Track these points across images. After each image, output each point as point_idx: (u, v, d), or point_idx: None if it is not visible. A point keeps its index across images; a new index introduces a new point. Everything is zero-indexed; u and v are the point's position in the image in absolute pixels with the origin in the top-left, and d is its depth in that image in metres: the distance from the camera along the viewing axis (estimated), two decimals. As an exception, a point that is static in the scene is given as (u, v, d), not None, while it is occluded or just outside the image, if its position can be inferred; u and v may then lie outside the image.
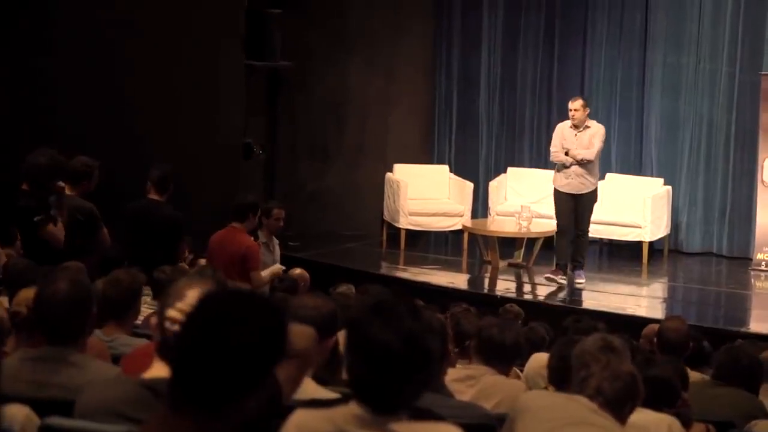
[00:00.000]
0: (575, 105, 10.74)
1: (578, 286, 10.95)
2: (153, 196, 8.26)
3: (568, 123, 10.82)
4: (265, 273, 8.50)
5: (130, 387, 3.19)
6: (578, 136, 10.70)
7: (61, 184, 7.11)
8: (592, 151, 10.61)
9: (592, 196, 10.82)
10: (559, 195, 10.84)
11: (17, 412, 3.42)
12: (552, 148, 10.90)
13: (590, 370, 3.68)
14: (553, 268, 11.11)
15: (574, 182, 10.69)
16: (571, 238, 10.94)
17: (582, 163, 10.61)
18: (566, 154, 10.64)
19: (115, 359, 4.39)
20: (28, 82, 9.63)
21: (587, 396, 3.65)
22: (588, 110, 10.81)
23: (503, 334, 5.01)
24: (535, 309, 8.94)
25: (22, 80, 9.61)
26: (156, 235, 8.01)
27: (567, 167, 10.66)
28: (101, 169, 7.77)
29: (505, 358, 5.04)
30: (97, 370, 3.79)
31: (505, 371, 5.07)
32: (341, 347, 4.29)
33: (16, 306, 4.58)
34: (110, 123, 9.79)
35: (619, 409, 3.66)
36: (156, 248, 7.86)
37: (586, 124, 10.73)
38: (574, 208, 10.78)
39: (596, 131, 10.73)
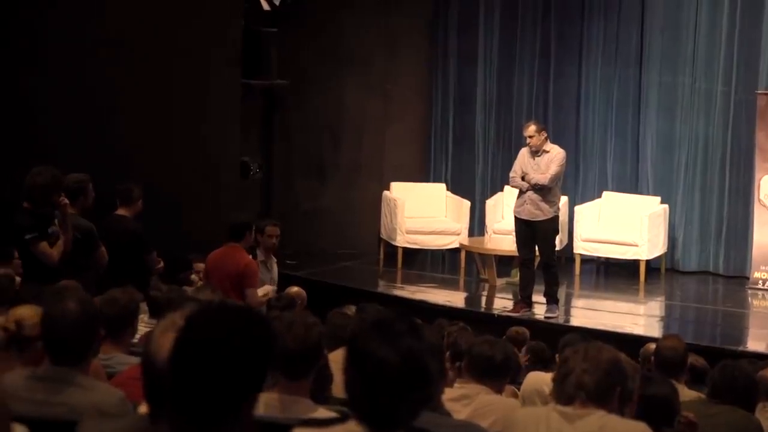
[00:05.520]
0: (528, 131, 10.20)
1: (550, 319, 10.33)
2: (119, 211, 8.31)
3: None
4: (259, 291, 8.50)
5: (131, 421, 3.15)
6: (536, 160, 10.14)
7: (65, 199, 7.10)
8: (546, 176, 10.02)
9: (548, 226, 10.18)
10: (516, 222, 10.35)
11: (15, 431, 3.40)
12: (510, 173, 10.41)
13: (569, 366, 3.55)
14: (516, 301, 10.70)
15: (528, 208, 10.14)
16: (534, 268, 10.44)
17: (537, 189, 10.06)
18: (523, 178, 10.15)
19: (112, 378, 4.39)
20: (19, 100, 9.62)
21: (568, 396, 3.51)
22: (545, 134, 10.24)
23: (493, 350, 5.01)
24: (533, 327, 8.91)
25: (12, 99, 9.60)
26: (119, 249, 7.98)
27: (524, 192, 10.17)
28: (96, 189, 7.78)
29: (496, 375, 5.01)
30: (101, 391, 3.78)
31: (498, 389, 5.05)
32: (330, 365, 4.29)
33: (7, 323, 4.54)
34: (105, 143, 9.78)
35: (605, 399, 3.51)
36: (123, 262, 7.86)
37: (544, 148, 10.15)
38: (533, 237, 10.23)
39: (554, 156, 10.13)
